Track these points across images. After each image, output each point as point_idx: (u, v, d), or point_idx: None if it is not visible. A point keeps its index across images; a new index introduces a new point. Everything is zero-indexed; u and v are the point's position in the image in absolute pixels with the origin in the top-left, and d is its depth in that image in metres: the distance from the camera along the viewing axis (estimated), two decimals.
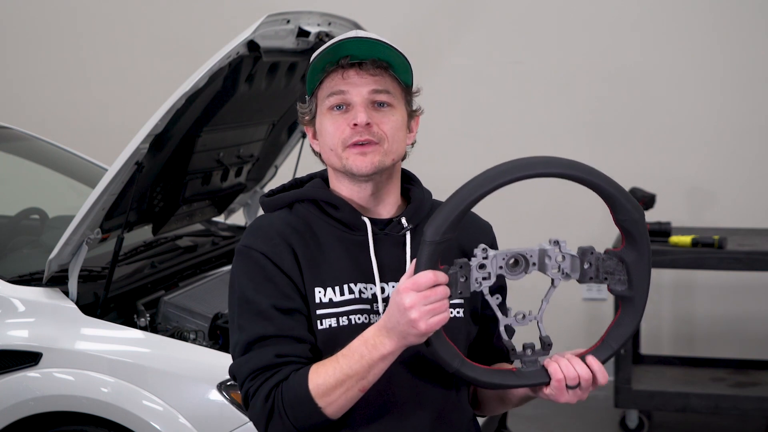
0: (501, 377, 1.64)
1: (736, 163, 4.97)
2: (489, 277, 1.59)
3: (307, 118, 1.81)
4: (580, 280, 1.64)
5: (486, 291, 1.61)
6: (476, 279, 1.59)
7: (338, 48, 1.72)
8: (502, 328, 1.64)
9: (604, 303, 5.09)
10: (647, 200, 4.37)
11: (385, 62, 1.74)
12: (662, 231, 4.25)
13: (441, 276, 1.54)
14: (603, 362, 1.66)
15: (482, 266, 1.59)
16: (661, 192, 4.67)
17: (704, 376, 4.43)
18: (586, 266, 1.63)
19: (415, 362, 1.72)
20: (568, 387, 1.62)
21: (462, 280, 1.58)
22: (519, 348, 1.65)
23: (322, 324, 1.71)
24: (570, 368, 1.62)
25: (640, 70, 5.03)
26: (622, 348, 1.68)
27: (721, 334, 5.02)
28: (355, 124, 1.72)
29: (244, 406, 1.71)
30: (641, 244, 1.64)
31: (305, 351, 1.68)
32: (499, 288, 1.75)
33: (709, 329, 5.06)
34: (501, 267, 1.60)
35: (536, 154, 4.84)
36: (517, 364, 1.66)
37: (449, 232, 1.56)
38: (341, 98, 1.74)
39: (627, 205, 1.61)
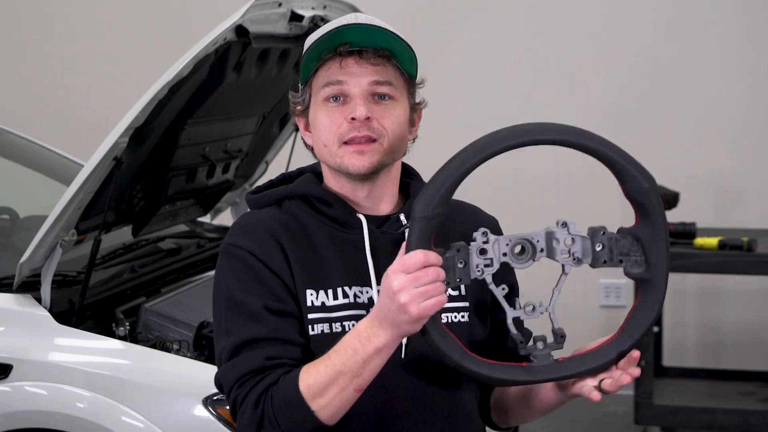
0: (507, 372, 1.61)
1: (765, 158, 4.97)
2: (491, 264, 1.57)
3: (299, 108, 1.80)
4: (593, 265, 1.61)
5: (489, 279, 1.58)
6: (477, 265, 1.56)
7: (337, 34, 1.71)
8: (510, 321, 1.62)
9: (622, 310, 5.09)
10: (670, 199, 4.37)
11: (387, 51, 1.73)
12: (686, 232, 4.25)
13: (432, 256, 1.52)
14: (624, 354, 1.63)
15: (483, 251, 1.57)
16: (685, 190, 4.67)
17: (732, 389, 4.44)
18: (598, 248, 1.60)
19: (417, 373, 1.72)
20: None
21: (460, 265, 1.55)
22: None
23: (313, 329, 1.71)
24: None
25: (661, 57, 5.03)
26: (644, 336, 1.64)
27: (751, 345, 5.03)
28: (353, 118, 1.70)
29: (232, 415, 1.70)
30: (655, 218, 1.60)
31: (297, 353, 1.68)
32: (506, 277, 1.71)
33: (737, 339, 5.06)
34: (505, 254, 1.57)
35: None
36: (527, 358, 1.63)
37: (441, 206, 1.54)
38: (338, 89, 1.72)
39: (635, 174, 1.58)
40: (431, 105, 1.88)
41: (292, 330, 1.69)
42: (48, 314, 2.93)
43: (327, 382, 1.60)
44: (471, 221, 1.82)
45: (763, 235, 4.42)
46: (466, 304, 1.77)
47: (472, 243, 1.57)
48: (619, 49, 5.06)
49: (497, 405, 1.87)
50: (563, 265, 1.61)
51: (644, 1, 5.04)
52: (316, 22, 3.22)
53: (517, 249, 1.58)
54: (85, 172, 2.83)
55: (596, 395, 1.62)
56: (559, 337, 1.62)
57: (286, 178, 1.86)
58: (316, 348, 1.70)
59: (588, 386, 1.63)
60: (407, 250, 1.53)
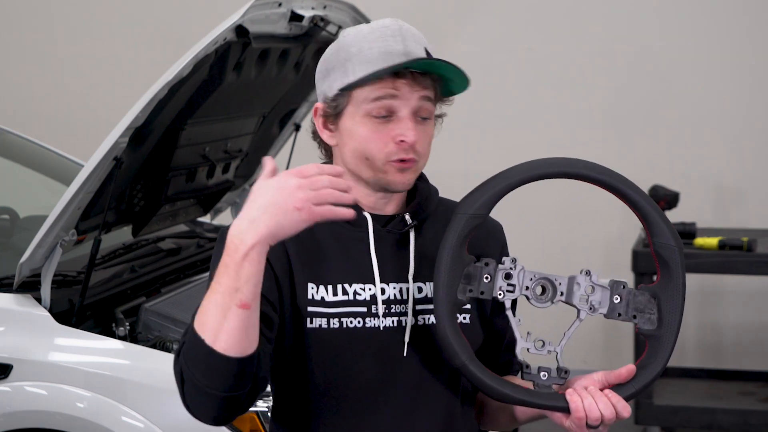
0: (512, 389, 1.65)
1: (765, 158, 4.97)
2: (514, 291, 1.66)
3: (328, 110, 1.75)
4: (608, 315, 1.68)
5: (508, 305, 1.66)
6: (500, 287, 1.65)
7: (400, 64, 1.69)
8: (519, 350, 1.67)
9: None
10: (670, 199, 4.37)
11: (438, 75, 1.72)
12: (687, 232, 4.25)
13: (327, 167, 1.53)
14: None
15: (508, 275, 1.66)
16: (685, 190, 4.67)
17: (732, 389, 4.44)
18: (616, 300, 1.67)
19: (417, 371, 1.73)
20: (588, 426, 1.64)
21: (486, 279, 1.65)
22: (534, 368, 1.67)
23: (312, 323, 1.71)
24: (593, 408, 1.63)
25: (662, 56, 5.03)
26: (643, 391, 1.70)
27: (751, 345, 5.02)
28: (403, 141, 1.70)
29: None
30: (676, 277, 1.67)
31: None
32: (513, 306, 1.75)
33: (737, 339, 5.06)
34: (527, 288, 1.66)
35: (549, 146, 4.81)
36: (529, 385, 1.67)
37: (483, 209, 1.65)
38: (388, 104, 1.70)
39: (666, 230, 1.67)
40: None
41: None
42: (48, 314, 2.93)
43: (211, 308, 1.58)
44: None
45: (763, 235, 4.42)
46: (468, 306, 1.78)
47: (500, 266, 1.66)
48: (619, 49, 5.06)
49: (477, 406, 1.89)
50: (579, 311, 1.67)
51: (644, 1, 5.04)
52: (316, 22, 3.22)
53: (539, 290, 1.67)
54: (85, 172, 2.83)
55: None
56: (563, 372, 1.68)
57: None
58: (314, 342, 1.70)
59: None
60: (444, 242, 1.64)
